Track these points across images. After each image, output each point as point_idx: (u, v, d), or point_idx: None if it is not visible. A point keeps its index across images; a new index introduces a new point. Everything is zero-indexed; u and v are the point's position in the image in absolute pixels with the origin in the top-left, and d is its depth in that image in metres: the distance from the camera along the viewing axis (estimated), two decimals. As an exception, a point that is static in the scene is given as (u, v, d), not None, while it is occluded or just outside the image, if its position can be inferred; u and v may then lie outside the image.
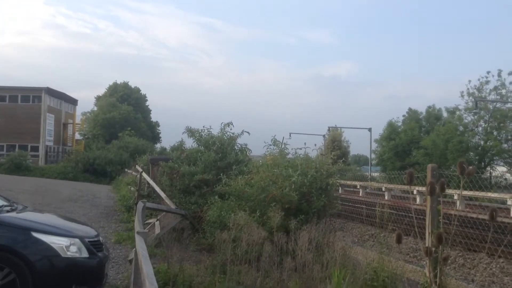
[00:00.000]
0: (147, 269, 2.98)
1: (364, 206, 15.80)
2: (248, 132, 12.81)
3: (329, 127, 48.88)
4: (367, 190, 29.42)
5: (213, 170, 11.20)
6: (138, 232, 4.55)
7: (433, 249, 3.71)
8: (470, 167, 3.43)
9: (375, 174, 44.21)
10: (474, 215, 13.50)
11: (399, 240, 3.51)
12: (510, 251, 10.60)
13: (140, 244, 3.89)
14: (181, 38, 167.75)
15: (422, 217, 6.43)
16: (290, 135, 44.24)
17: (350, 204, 18.69)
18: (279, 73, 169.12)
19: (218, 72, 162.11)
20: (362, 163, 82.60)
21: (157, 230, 9.66)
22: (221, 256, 6.48)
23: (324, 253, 6.00)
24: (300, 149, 10.60)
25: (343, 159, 21.67)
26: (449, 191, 14.05)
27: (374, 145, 48.48)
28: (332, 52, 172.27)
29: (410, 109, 48.51)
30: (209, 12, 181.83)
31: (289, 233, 6.59)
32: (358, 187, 29.35)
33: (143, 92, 67.33)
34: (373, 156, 48.56)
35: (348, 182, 30.19)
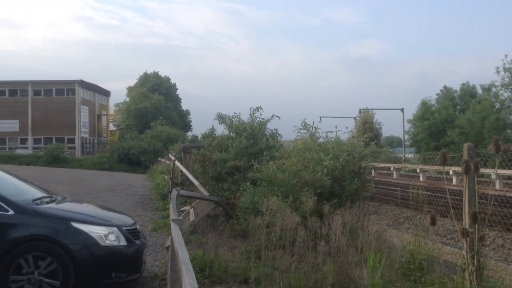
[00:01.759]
0: (183, 255, 3.04)
1: (398, 189, 15.56)
2: (278, 117, 12.72)
3: (360, 109, 48.34)
4: (401, 172, 28.93)
5: (244, 156, 11.24)
6: (173, 220, 4.64)
7: (470, 230, 3.63)
8: (506, 145, 3.31)
9: (409, 156, 43.38)
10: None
11: (433, 222, 3.45)
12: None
13: (176, 232, 3.97)
14: (206, 25, 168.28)
15: (459, 197, 6.28)
16: (320, 119, 43.72)
17: (384, 186, 18.45)
18: (305, 55, 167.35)
19: (245, 58, 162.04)
20: (396, 145, 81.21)
21: (192, 217, 9.83)
22: (255, 242, 6.54)
23: (359, 237, 5.96)
24: (331, 132, 10.50)
25: (375, 141, 21.35)
26: (486, 171, 13.64)
27: (407, 126, 47.58)
28: (359, 31, 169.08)
29: (444, 87, 47.23)
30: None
31: (322, 217, 6.57)
32: (391, 169, 28.89)
33: (173, 81, 68.10)
34: (406, 137, 47.67)
35: (382, 165, 29.76)
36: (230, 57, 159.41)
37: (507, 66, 37.32)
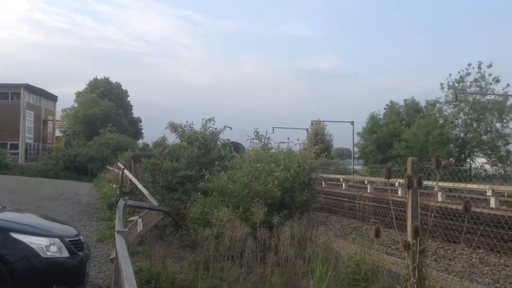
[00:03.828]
0: (126, 269, 2.95)
1: (346, 199, 15.93)
2: (230, 127, 12.81)
3: (312, 121, 49.19)
4: (350, 183, 29.69)
5: (196, 166, 11.15)
6: (118, 231, 4.51)
7: (412, 242, 3.76)
8: (446, 161, 3.47)
9: (358, 167, 44.62)
10: (454, 207, 13.72)
11: (377, 235, 3.54)
12: (489, 242, 10.81)
13: (120, 244, 3.85)
14: (161, 32, 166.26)
15: (404, 208, 6.50)
16: (273, 129, 44.35)
17: (333, 197, 18.84)
18: (261, 66, 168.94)
19: (200, 66, 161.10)
20: (345, 156, 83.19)
21: (140, 227, 9.59)
22: (203, 253, 6.47)
23: (307, 248, 6.03)
24: (283, 143, 10.65)
25: (326, 152, 21.79)
26: (429, 183, 14.25)
27: (357, 139, 48.94)
28: (314, 45, 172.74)
29: (391, 102, 49.10)
30: (190, 5, 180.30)
31: (272, 228, 6.61)
32: (341, 180, 29.59)
33: (124, 87, 66.85)
34: (355, 149, 48.98)
35: (331, 176, 30.43)
36: (185, 65, 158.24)
37: (450, 83, 39.34)
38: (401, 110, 48.09)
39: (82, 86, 65.54)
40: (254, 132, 10.68)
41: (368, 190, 25.05)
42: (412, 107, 46.98)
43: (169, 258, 7.42)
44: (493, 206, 19.44)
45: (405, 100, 48.04)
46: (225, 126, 12.69)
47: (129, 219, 10.94)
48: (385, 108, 49.19)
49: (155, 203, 10.09)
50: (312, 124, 49.80)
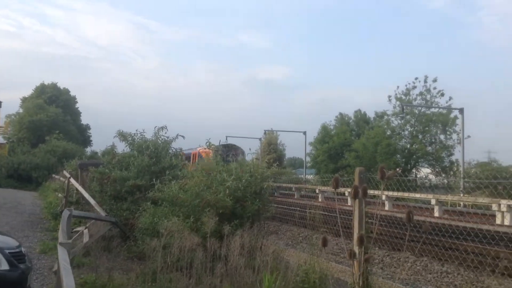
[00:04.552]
0: (68, 282, 2.84)
1: (298, 209, 16.12)
2: (183, 136, 12.69)
3: (265, 130, 49.48)
4: (302, 192, 30.09)
5: (146, 175, 10.94)
6: (61, 243, 4.33)
7: (358, 251, 3.85)
8: (390, 172, 3.60)
9: (309, 177, 45.28)
10: (400, 215, 14.20)
11: (324, 244, 3.61)
12: (431, 250, 11.24)
13: (63, 256, 3.70)
14: (113, 37, 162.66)
15: (352, 217, 6.65)
16: (226, 138, 44.40)
17: (285, 207, 19.01)
18: (215, 75, 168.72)
19: (153, 74, 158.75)
20: (298, 166, 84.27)
21: (86, 238, 9.26)
22: (151, 264, 6.33)
23: (256, 257, 6.04)
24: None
25: (278, 162, 21.98)
26: (376, 192, 14.70)
27: (309, 148, 49.72)
28: (267, 56, 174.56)
29: (340, 114, 50.36)
30: (143, 12, 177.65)
31: (222, 238, 6.57)
32: (293, 189, 29.93)
33: (72, 93, 64.67)
34: (308, 159, 49.73)
35: (284, 185, 30.73)
36: (138, 72, 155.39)
37: (398, 96, 40.87)
38: (350, 121, 49.42)
39: (28, 92, 62.64)
40: (206, 142, 10.65)
41: (320, 199, 25.49)
42: (362, 118, 48.43)
43: (115, 270, 7.22)
44: (437, 215, 20.31)
45: (355, 112, 49.48)
46: (177, 134, 12.58)
47: (74, 229, 10.57)
48: (335, 119, 50.42)
49: (102, 213, 9.79)
50: (265, 133, 50.12)
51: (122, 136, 12.20)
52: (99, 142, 64.37)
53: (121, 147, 12.95)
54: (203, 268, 5.65)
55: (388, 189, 18.33)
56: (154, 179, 9.83)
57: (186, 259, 5.67)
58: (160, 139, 12.22)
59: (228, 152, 30.73)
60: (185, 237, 5.86)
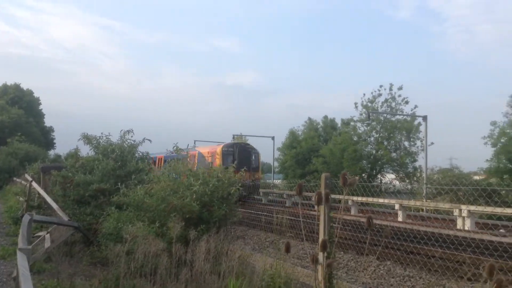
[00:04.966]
0: (26, 290, 2.76)
1: (265, 213, 16.17)
2: (149, 140, 12.54)
3: (233, 135, 49.39)
4: (270, 197, 30.21)
5: (111, 179, 10.75)
6: (20, 249, 4.20)
7: (322, 255, 3.91)
8: (352, 178, 3.68)
9: (277, 182, 45.52)
10: (364, 220, 14.45)
11: (287, 250, 3.64)
12: (393, 254, 11.49)
13: (22, 262, 3.59)
14: (80, 39, 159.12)
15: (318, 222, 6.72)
16: (194, 143, 44.12)
17: (252, 211, 19.03)
18: (186, 79, 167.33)
19: (121, 77, 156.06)
20: (266, 171, 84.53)
21: (47, 243, 9.01)
22: (114, 270, 6.22)
23: (222, 263, 6.02)
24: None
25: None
26: (340, 197, 14.91)
27: (277, 153, 50.00)
28: (236, 61, 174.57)
29: (309, 119, 50.94)
30: (112, 14, 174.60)
31: (188, 243, 6.53)
32: (261, 194, 30.01)
33: (36, 95, 63.02)
34: (276, 164, 49.98)
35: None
36: (105, 75, 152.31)
37: (364, 103, 41.72)
38: (319, 126, 50.05)
39: (-10, 93, 60.58)
40: (173, 146, 10.55)
41: (287, 204, 25.65)
42: (329, 124, 49.13)
43: (78, 276, 7.05)
44: (401, 220, 20.79)
45: (323, 117, 50.15)
46: (144, 138, 12.42)
47: (36, 234, 10.26)
48: (303, 125, 50.94)
49: (65, 217, 9.54)
50: (233, 138, 50.08)
51: (87, 139, 11.97)
52: (64, 145, 62.76)
53: (86, 151, 12.71)
54: (168, 274, 5.59)
55: (353, 194, 18.66)
56: (119, 183, 9.68)
57: (150, 265, 5.60)
58: (126, 142, 12.04)
59: (240, 152, 28.55)
60: (150, 243, 5.79)
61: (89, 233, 9.62)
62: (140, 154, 12.43)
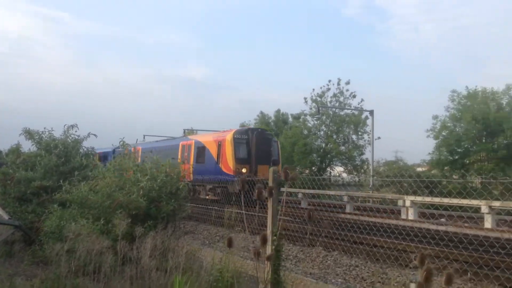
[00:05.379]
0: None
1: (215, 208, 16.17)
2: (95, 135, 12.20)
3: (184, 130, 48.94)
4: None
5: (54, 175, 10.39)
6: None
7: (264, 248, 3.98)
8: (293, 173, 3.77)
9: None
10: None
11: (230, 245, 3.69)
12: (341, 244, 11.85)
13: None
14: (19, 30, 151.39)
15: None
16: (144, 137, 43.36)
17: (202, 206, 18.99)
18: (135, 72, 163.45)
19: (66, 70, 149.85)
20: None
21: (-15, 244, 8.60)
22: (55, 269, 6.03)
23: (169, 259, 5.99)
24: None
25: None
26: (291, 190, 15.19)
27: (229, 147, 49.92)
28: (187, 55, 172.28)
29: (261, 113, 51.30)
30: (53, 3, 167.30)
31: (134, 240, 6.43)
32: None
33: (-26, 87, 59.57)
34: (227, 158, 49.90)
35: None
36: (48, 68, 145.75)
37: (314, 97, 42.54)
38: (270, 121, 50.51)
39: None
40: (120, 141, 10.34)
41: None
42: (281, 119, 49.71)
43: (18, 276, 6.78)
44: (348, 211, 21.45)
45: (275, 112, 50.62)
46: (89, 133, 12.06)
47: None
48: (255, 119, 51.22)
49: (5, 216, 9.15)
50: (184, 132, 49.59)
51: (29, 134, 11.47)
52: (4, 141, 59.76)
53: (28, 146, 12.19)
54: (112, 271, 5.49)
55: (303, 187, 19.03)
56: (62, 180, 9.36)
57: (94, 263, 5.47)
58: (70, 137, 11.65)
59: (258, 140, 23.47)
60: (93, 240, 5.66)
61: (31, 231, 9.27)
62: (85, 149, 12.08)
